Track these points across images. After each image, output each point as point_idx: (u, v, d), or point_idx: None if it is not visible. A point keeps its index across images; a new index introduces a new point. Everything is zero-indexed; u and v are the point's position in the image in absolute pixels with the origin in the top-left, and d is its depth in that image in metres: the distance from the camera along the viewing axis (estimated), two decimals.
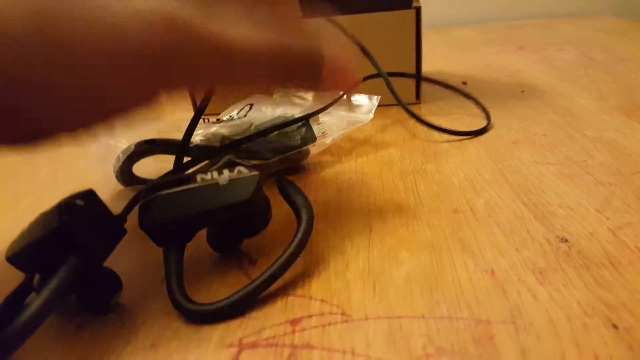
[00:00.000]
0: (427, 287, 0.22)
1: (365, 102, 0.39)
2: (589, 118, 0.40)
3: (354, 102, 0.39)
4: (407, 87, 0.46)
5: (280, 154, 0.33)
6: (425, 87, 0.52)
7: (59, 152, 0.44)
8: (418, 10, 0.43)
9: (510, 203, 0.28)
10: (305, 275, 0.24)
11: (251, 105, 0.38)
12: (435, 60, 0.67)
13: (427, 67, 0.62)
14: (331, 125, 0.37)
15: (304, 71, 0.21)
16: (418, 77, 0.46)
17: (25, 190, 0.37)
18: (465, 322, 0.20)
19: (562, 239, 0.24)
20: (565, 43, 0.69)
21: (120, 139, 0.35)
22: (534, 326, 0.19)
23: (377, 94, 0.47)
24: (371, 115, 0.38)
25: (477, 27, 0.90)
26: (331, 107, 0.36)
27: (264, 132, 0.32)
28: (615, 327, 0.19)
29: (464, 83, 0.52)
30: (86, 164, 0.41)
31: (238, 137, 0.33)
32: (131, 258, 0.27)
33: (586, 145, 0.35)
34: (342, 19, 0.44)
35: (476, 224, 0.26)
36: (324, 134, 0.35)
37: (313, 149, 0.36)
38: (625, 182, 0.29)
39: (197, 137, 0.34)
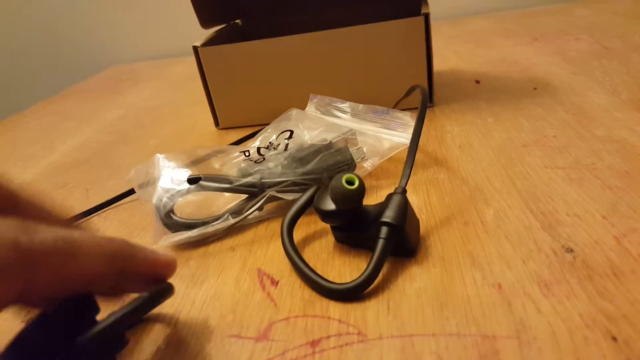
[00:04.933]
0: (438, 304, 0.23)
1: (406, 120, 0.38)
2: (600, 115, 0.40)
3: (394, 120, 0.38)
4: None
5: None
6: (438, 89, 0.53)
7: (90, 173, 0.47)
8: (427, 16, 0.44)
9: (519, 212, 0.29)
10: None
11: (291, 133, 0.37)
12: (450, 55, 0.67)
13: (442, 65, 0.62)
14: (373, 147, 0.36)
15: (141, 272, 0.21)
16: (430, 83, 0.47)
17: None
18: (472, 339, 0.21)
19: (567, 249, 0.25)
20: (581, 31, 0.68)
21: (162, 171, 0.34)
22: (536, 340, 0.20)
23: (384, 99, 0.48)
24: None
25: (492, 16, 0.89)
26: (370, 128, 0.35)
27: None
28: (614, 339, 0.20)
29: (477, 82, 0.53)
30: (116, 183, 0.43)
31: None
32: None
33: (596, 145, 0.35)
34: (352, 29, 0.45)
35: (485, 235, 0.28)
36: (363, 159, 0.35)
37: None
38: (632, 185, 0.30)
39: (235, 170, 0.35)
